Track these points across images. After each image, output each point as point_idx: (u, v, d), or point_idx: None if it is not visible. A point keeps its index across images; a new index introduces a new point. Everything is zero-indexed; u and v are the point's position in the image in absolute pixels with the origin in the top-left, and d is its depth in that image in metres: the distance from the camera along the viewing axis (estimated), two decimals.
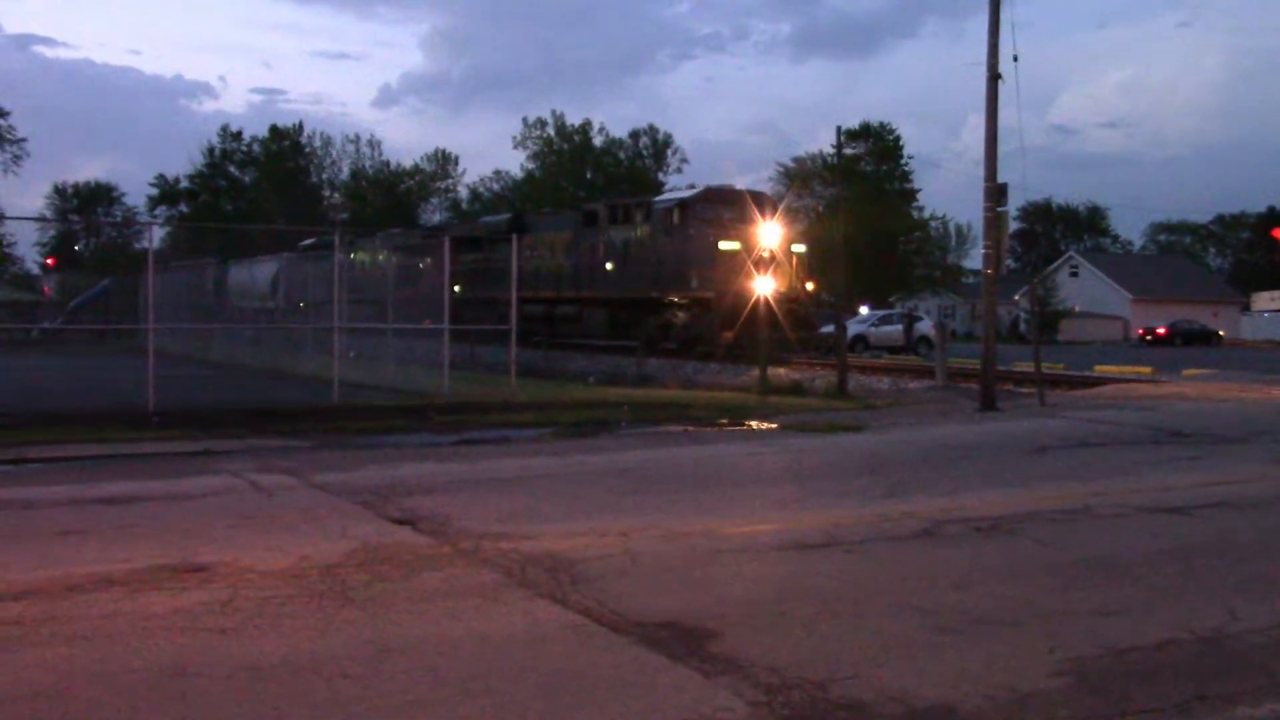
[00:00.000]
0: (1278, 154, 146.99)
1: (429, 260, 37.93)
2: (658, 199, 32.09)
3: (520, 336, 35.03)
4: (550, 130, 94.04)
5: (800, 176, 75.96)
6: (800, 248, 30.80)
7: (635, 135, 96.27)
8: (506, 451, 12.94)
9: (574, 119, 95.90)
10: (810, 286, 31.42)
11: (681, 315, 30.58)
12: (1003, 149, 19.94)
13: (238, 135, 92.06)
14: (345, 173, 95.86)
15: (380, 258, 30.06)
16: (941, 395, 20.81)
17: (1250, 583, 6.82)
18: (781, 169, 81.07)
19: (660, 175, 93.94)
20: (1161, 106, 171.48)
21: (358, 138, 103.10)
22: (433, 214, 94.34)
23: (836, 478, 11.13)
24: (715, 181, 35.24)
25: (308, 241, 41.16)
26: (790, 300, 28.76)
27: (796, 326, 28.88)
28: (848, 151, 70.85)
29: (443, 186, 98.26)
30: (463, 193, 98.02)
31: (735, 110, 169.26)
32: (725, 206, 31.19)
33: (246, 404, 16.48)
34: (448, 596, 6.27)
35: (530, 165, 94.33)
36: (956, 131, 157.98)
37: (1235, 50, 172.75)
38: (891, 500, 9.60)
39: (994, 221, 18.95)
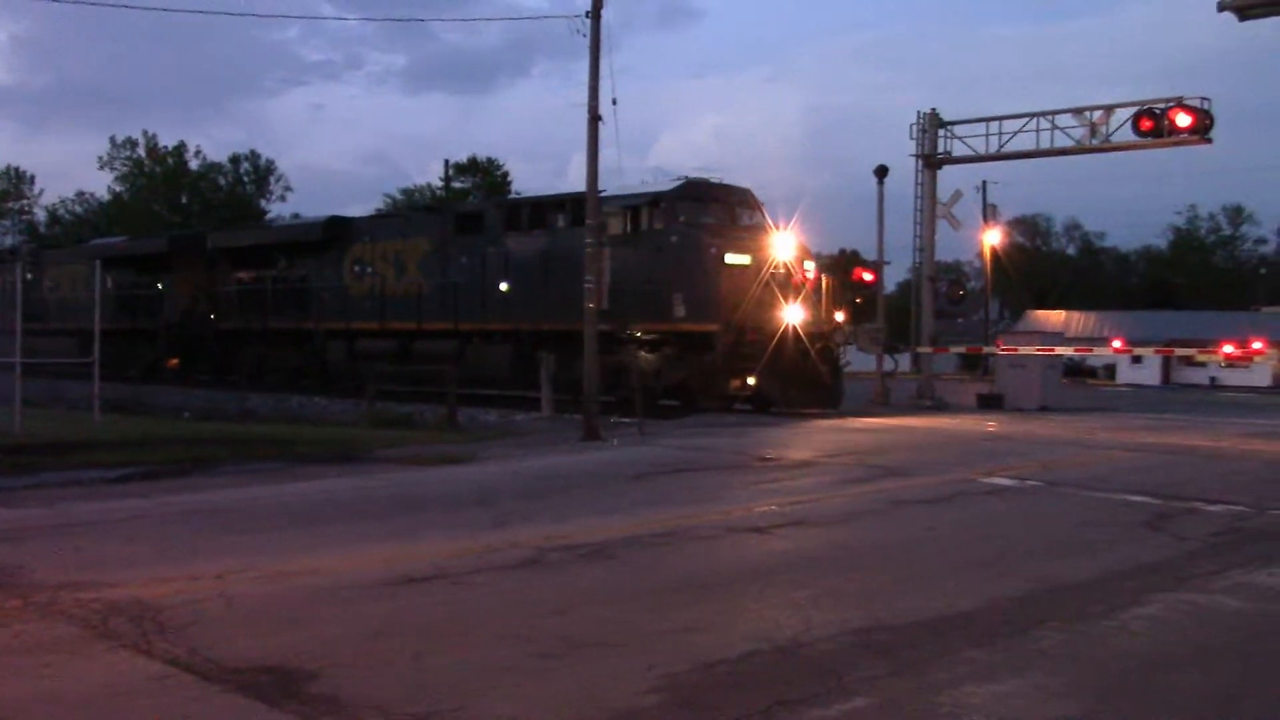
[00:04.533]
0: (849, 202, 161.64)
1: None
2: (611, 194, 22.57)
3: (356, 382, 26.68)
4: (141, 151, 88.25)
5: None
6: (812, 265, 23.84)
7: (235, 160, 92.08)
8: (90, 494, 11.96)
9: (172, 141, 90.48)
10: (840, 317, 24.49)
11: (649, 356, 22.82)
12: (605, 187, 20.77)
13: None
14: None
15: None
16: (547, 426, 21.26)
17: (823, 595, 7.43)
18: (391, 201, 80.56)
19: (263, 203, 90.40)
20: (751, 153, 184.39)
21: None
22: (4, 236, 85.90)
23: (445, 509, 11.12)
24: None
25: None
26: (822, 336, 22.80)
27: (833, 373, 23.28)
28: (456, 185, 71.48)
29: (16, 207, 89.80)
30: (40, 215, 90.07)
31: (348, 139, 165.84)
32: (717, 206, 23.28)
33: None
34: (16, 654, 5.73)
35: (118, 188, 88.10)
36: (564, 170, 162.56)
37: (812, 106, 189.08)
38: (498, 530, 9.71)
39: (596, 257, 19.70)
